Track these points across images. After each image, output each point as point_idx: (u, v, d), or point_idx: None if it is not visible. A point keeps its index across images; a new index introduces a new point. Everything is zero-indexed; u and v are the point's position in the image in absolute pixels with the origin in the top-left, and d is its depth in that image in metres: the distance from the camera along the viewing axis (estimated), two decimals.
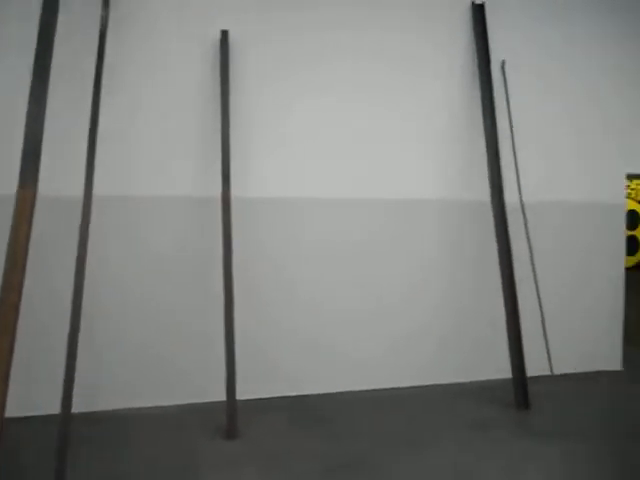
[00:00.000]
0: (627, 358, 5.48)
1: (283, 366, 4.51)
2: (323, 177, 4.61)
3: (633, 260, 10.18)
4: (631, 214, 12.20)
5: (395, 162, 4.78)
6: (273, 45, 4.45)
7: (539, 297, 4.67)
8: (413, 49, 4.77)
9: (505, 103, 4.92)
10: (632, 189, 12.63)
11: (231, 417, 3.75)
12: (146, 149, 4.23)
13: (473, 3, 4.86)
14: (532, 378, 4.56)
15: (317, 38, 4.54)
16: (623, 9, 5.35)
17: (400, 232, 4.80)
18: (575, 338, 5.19)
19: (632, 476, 3.22)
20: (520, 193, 4.88)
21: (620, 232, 5.47)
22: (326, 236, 4.62)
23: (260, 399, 4.40)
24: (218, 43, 4.29)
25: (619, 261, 5.46)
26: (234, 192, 4.25)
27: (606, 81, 5.31)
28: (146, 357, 4.25)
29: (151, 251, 4.25)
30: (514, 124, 4.96)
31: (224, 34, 4.26)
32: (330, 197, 4.62)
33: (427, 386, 4.80)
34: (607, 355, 5.41)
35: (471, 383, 4.90)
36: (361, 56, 4.65)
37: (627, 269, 5.93)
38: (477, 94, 4.84)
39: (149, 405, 4.22)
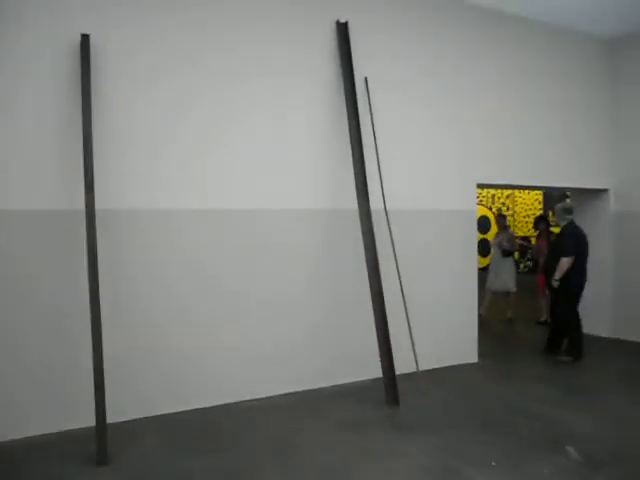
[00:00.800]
0: (481, 351, 6.04)
1: (156, 384, 4.35)
2: (193, 188, 4.54)
3: (485, 261, 11.18)
4: (483, 219, 13.44)
5: (270, 174, 4.85)
6: (141, 51, 4.32)
7: (404, 299, 4.96)
8: (282, 62, 4.88)
9: (370, 118, 5.19)
10: (483, 197, 13.92)
11: (101, 443, 3.54)
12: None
13: (338, 22, 5.09)
14: (402, 375, 4.85)
15: (185, 48, 4.48)
16: (489, 26, 5.96)
17: (280, 242, 4.88)
18: (436, 335, 5.60)
19: (484, 464, 3.54)
20: (384, 201, 5.16)
21: (472, 236, 6.02)
22: (197, 249, 4.55)
23: (136, 420, 4.21)
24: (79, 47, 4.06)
25: (472, 262, 6.00)
26: (98, 204, 4.02)
27: (462, 99, 5.83)
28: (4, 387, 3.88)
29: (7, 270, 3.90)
30: (379, 137, 5.25)
31: (84, 38, 4.04)
32: (200, 208, 4.56)
33: (304, 392, 4.90)
34: (465, 349, 5.91)
35: (347, 385, 5.09)
36: (229, 67, 4.67)
37: (480, 269, 6.54)
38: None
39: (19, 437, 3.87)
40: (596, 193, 7.13)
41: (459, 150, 5.84)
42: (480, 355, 5.97)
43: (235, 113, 4.69)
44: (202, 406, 4.49)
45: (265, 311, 4.82)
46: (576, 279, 5.98)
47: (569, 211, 6.19)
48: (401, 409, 4.50)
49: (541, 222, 8.48)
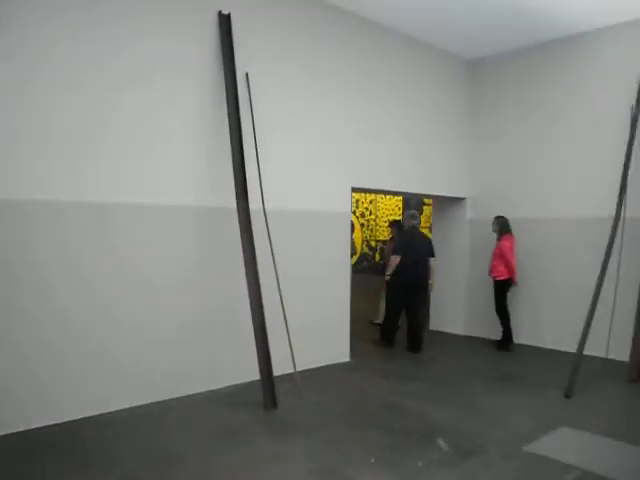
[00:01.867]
0: (353, 350, 6.22)
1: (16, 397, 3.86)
2: (72, 179, 4.12)
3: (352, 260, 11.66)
4: None
5: (151, 169, 4.55)
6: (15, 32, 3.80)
7: (282, 299, 4.92)
8: (163, 53, 4.60)
9: (251, 116, 5.08)
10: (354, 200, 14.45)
11: None
12: None
13: (220, 13, 4.91)
14: (280, 377, 4.80)
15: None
16: (372, 39, 6.09)
17: (156, 240, 4.58)
18: (311, 336, 5.64)
19: (363, 461, 3.62)
20: (263, 201, 5.07)
21: (346, 238, 6.18)
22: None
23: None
24: None
25: (346, 263, 6.15)
26: None
27: (340, 104, 5.94)
28: None
29: None
30: (261, 136, 5.16)
31: None
32: (79, 200, 4.16)
33: (177, 399, 4.66)
34: (338, 349, 6.04)
35: (224, 389, 4.94)
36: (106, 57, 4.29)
37: None
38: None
39: None
40: (456, 201, 7.72)
41: (336, 154, 5.96)
42: (352, 354, 6.14)
43: (112, 109, 4.33)
44: (64, 420, 4.08)
45: (132, 317, 4.49)
46: (402, 276, 6.58)
47: (413, 217, 6.90)
48: (280, 411, 4.45)
49: (393, 226, 8.47)
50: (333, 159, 5.93)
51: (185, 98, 4.77)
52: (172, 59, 4.68)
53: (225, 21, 4.92)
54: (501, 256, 6.68)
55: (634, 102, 6.03)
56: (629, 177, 5.86)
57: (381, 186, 6.60)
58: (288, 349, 4.90)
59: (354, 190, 6.38)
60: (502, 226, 6.79)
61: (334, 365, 5.89)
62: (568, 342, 6.41)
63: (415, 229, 6.84)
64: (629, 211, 5.77)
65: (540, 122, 6.94)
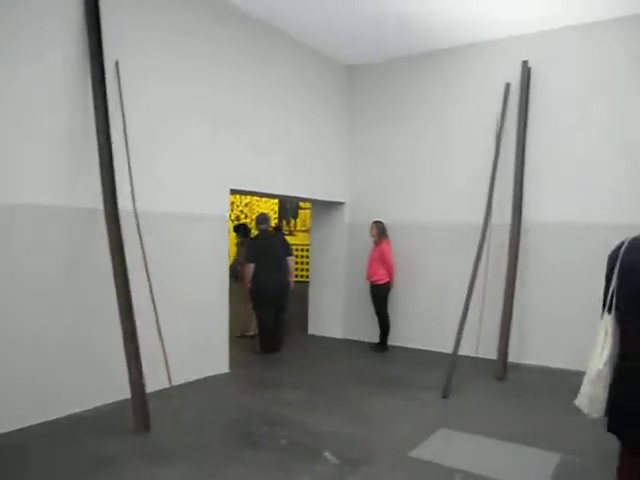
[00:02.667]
0: (232, 359, 5.92)
1: None
2: None
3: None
4: None
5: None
6: None
7: (155, 307, 4.51)
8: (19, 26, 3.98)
9: (120, 109, 4.61)
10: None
11: None
12: None
13: None
14: (154, 393, 4.40)
15: None
16: (255, 37, 5.81)
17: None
18: (188, 347, 5.27)
19: None
20: (134, 202, 4.63)
21: (224, 242, 5.87)
22: None
23: None
24: None
25: (223, 269, 5.83)
26: None
27: (217, 102, 5.62)
28: None
29: None
30: (134, 133, 4.71)
31: None
32: None
33: (36, 426, 4.05)
34: (216, 359, 5.71)
35: (92, 410, 4.41)
36: None
37: None
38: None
39: None
40: (335, 206, 7.73)
41: (214, 153, 5.64)
42: (231, 364, 5.85)
43: None
44: None
45: None
46: (264, 284, 6.45)
47: (262, 221, 6.88)
48: (154, 434, 4.04)
49: (239, 231, 8.27)
50: (211, 159, 5.60)
51: (49, 81, 4.18)
52: (31, 37, 4.07)
53: (92, 4, 4.38)
54: (382, 260, 6.79)
55: (499, 114, 6.45)
56: (495, 186, 6.24)
57: (260, 188, 6.38)
58: (163, 362, 4.50)
59: (233, 192, 6.09)
60: (382, 230, 6.90)
61: (213, 377, 5.56)
62: (439, 342, 6.69)
63: (266, 232, 6.84)
64: (494, 219, 6.15)
65: (415, 130, 7.17)
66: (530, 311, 6.24)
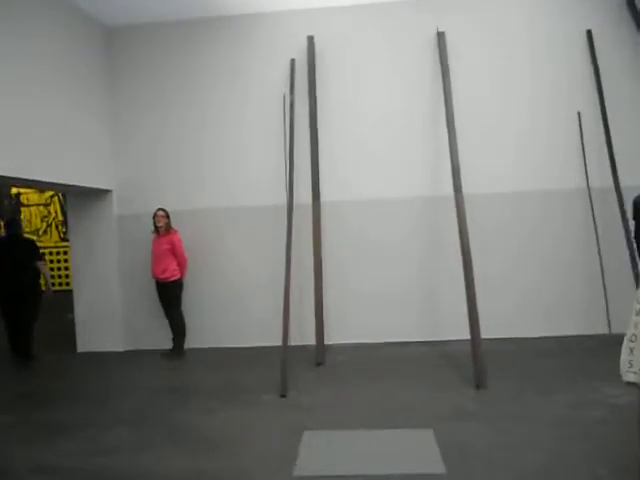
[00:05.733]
0: None
1: None
2: None
3: None
4: None
5: None
6: None
7: None
8: None
9: None
10: None
11: None
12: None
13: None
14: None
15: None
16: None
17: None
18: None
19: None
20: None
21: None
22: None
23: None
24: None
25: None
26: None
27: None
28: None
29: None
30: None
31: None
32: None
33: None
34: None
35: None
36: None
37: None
38: None
39: None
40: (98, 194, 6.41)
41: None
42: None
43: None
44: None
45: None
46: (3, 288, 6.06)
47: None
48: None
49: None
50: None
51: None
52: None
53: None
54: (173, 253, 5.87)
55: (287, 90, 6.15)
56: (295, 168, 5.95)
57: None
58: None
59: None
60: (169, 221, 5.96)
61: None
62: (241, 338, 6.20)
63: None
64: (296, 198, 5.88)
65: (191, 106, 6.40)
66: (345, 291, 6.16)
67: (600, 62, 5.91)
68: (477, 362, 4.67)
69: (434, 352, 5.65)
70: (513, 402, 4.15)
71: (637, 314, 1.96)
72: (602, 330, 5.79)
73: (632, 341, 1.96)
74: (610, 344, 5.18)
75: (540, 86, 6.03)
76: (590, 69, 5.95)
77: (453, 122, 5.55)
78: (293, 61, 6.19)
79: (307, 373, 5.18)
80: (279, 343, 4.99)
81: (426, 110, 6.10)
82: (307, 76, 6.09)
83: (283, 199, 5.94)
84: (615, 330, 5.71)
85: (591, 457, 3.16)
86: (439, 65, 5.91)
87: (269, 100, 6.24)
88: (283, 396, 4.53)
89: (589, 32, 5.98)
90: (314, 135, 6.01)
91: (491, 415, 3.93)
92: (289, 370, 4.86)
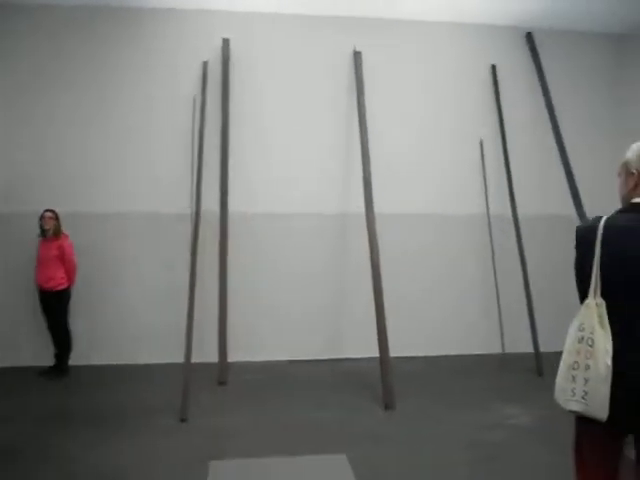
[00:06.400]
0: None
1: None
2: None
3: None
4: None
5: None
6: None
7: None
8: None
9: None
10: None
11: None
12: None
13: None
14: None
15: None
16: None
17: None
18: None
19: None
20: None
21: None
22: None
23: None
24: None
25: None
26: None
27: None
28: None
29: None
30: None
31: None
32: None
33: None
34: None
35: None
36: None
37: None
38: None
39: None
40: None
41: None
42: None
43: None
44: None
45: None
46: None
47: None
48: None
49: None
50: None
51: None
52: None
53: None
54: (61, 260, 5.28)
55: (199, 92, 5.83)
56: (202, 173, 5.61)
57: None
58: None
59: None
60: (58, 224, 5.37)
61: None
62: (137, 354, 5.73)
63: None
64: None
65: (89, 101, 5.83)
66: (251, 307, 5.89)
67: (502, 95, 6.26)
68: (385, 382, 4.64)
69: (343, 370, 5.58)
70: (422, 422, 4.16)
71: (579, 342, 1.96)
72: (496, 350, 6.04)
73: (574, 369, 1.95)
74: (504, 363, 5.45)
75: (446, 114, 6.24)
76: (493, 100, 6.28)
77: (367, 138, 5.56)
78: (206, 63, 5.89)
79: (209, 394, 4.86)
80: (176, 360, 4.62)
81: (340, 126, 6.08)
82: (220, 80, 5.83)
83: (189, 207, 5.61)
84: (508, 350, 5.99)
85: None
86: (354, 83, 5.93)
87: (178, 101, 5.87)
88: (184, 420, 4.19)
89: (493, 67, 6.31)
90: (225, 143, 5.73)
91: (401, 437, 3.90)
92: (191, 390, 4.51)
